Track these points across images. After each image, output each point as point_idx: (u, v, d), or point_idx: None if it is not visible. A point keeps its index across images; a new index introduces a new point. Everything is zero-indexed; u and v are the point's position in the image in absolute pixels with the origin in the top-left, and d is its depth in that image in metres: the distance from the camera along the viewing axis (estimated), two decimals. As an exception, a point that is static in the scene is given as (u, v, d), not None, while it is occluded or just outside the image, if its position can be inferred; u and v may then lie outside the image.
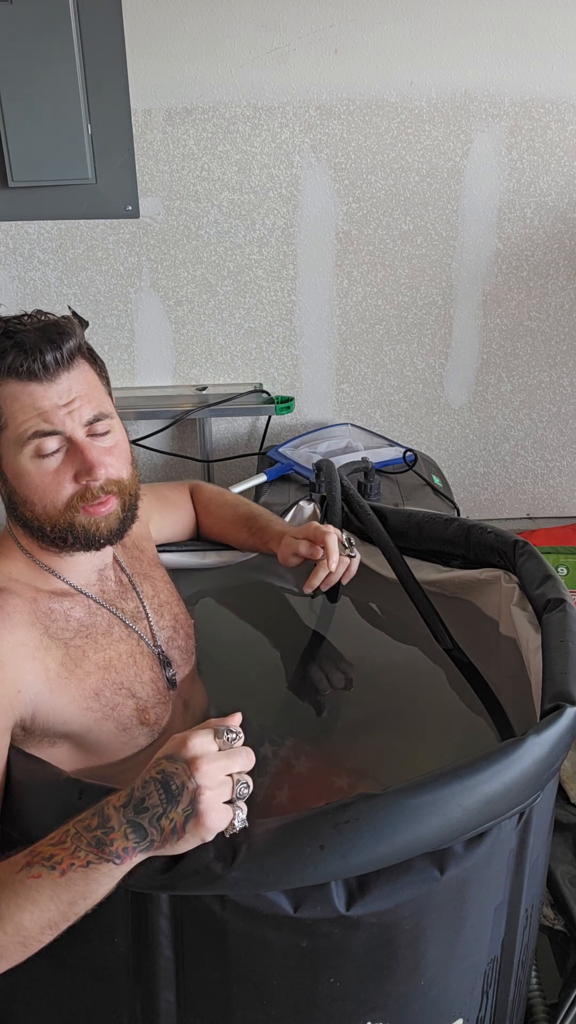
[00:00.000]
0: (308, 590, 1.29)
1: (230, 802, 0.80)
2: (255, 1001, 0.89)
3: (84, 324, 1.10)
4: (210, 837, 0.79)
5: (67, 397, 1.03)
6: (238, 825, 0.80)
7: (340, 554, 1.30)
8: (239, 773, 0.80)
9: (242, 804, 0.80)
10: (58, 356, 1.02)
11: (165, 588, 1.29)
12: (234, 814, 0.79)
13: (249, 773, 0.82)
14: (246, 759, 0.81)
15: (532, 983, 1.30)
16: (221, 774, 0.79)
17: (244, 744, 0.82)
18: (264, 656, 1.47)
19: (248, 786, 0.80)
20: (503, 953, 1.01)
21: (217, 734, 0.81)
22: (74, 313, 1.10)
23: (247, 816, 0.81)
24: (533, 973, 1.31)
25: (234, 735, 0.81)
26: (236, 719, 0.84)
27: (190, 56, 2.24)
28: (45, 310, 1.09)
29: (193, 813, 0.77)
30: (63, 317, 1.07)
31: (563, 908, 1.38)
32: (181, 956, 0.88)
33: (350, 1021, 0.91)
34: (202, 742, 0.80)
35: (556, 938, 1.38)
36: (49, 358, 1.02)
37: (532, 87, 2.32)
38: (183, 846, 0.79)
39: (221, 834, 0.80)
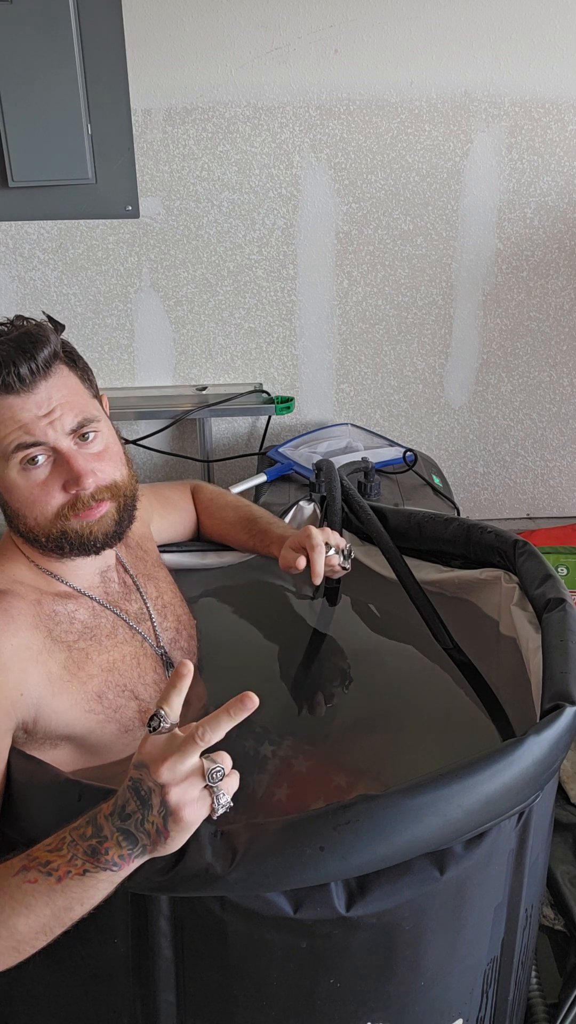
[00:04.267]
0: (316, 582, 1.29)
1: (209, 788, 0.78)
2: (255, 1002, 0.89)
3: (60, 328, 1.08)
4: (194, 828, 0.78)
5: (47, 407, 1.02)
6: (220, 809, 0.78)
7: (342, 563, 1.30)
8: (207, 757, 0.79)
9: (223, 786, 0.79)
10: (33, 366, 1.01)
11: (169, 589, 1.29)
12: (213, 799, 0.78)
13: (234, 760, 0.80)
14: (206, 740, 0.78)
15: (532, 983, 1.30)
16: (183, 765, 0.77)
17: (218, 737, 0.80)
18: (264, 656, 1.47)
19: (220, 768, 0.78)
20: (503, 953, 1.01)
21: (151, 722, 0.79)
22: (49, 318, 1.09)
23: (233, 797, 0.79)
24: (533, 973, 1.31)
25: (168, 725, 0.79)
26: (171, 704, 0.81)
27: (190, 56, 2.23)
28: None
29: (168, 812, 0.77)
30: (36, 324, 1.06)
31: (563, 908, 1.39)
32: (181, 957, 0.88)
33: (350, 1022, 0.91)
34: (154, 741, 0.79)
35: (556, 938, 1.38)
36: (24, 369, 1.00)
37: (532, 87, 2.32)
38: (174, 844, 0.79)
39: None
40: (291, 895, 0.83)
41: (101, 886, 0.80)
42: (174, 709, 0.81)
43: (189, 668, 0.81)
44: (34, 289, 2.45)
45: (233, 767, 0.81)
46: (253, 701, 0.79)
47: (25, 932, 0.80)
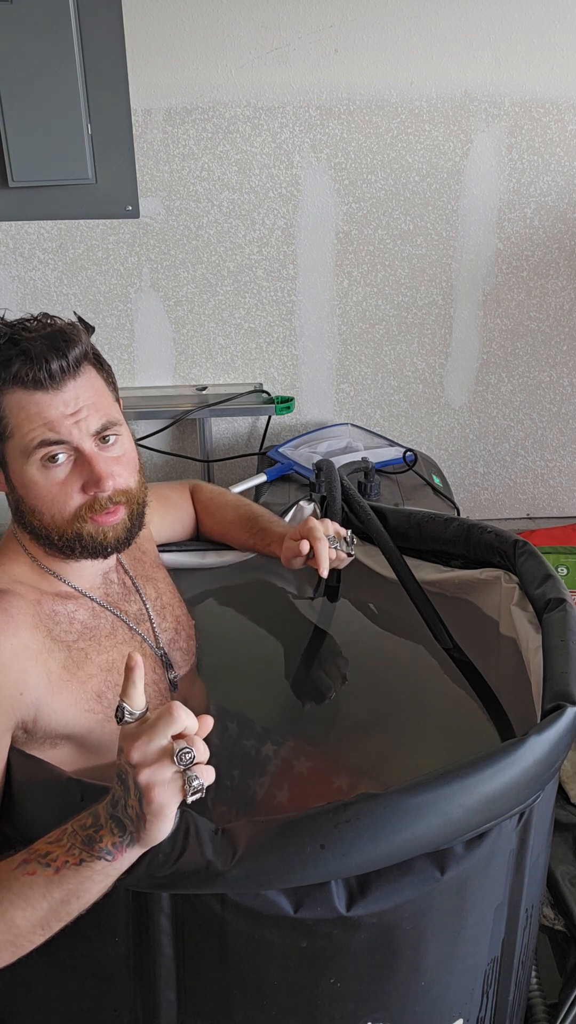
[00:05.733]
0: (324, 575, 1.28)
1: (180, 771, 0.77)
2: (256, 1001, 0.89)
3: (90, 330, 1.09)
4: (168, 811, 0.78)
5: (74, 406, 1.03)
6: (192, 792, 0.77)
7: (339, 550, 1.29)
8: (176, 740, 0.78)
9: (199, 769, 0.77)
10: (64, 364, 1.01)
11: (167, 590, 1.29)
12: (184, 782, 0.77)
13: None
14: (168, 722, 0.78)
15: (532, 983, 1.30)
16: (151, 747, 0.77)
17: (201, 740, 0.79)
18: (264, 656, 1.47)
19: (189, 750, 0.77)
20: (503, 953, 1.01)
21: (116, 714, 0.80)
22: (80, 319, 1.09)
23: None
24: (533, 973, 1.31)
25: (136, 714, 0.80)
26: (130, 696, 0.81)
27: (190, 56, 2.23)
28: (47, 311, 1.08)
29: (141, 793, 0.77)
30: (69, 323, 1.06)
31: (563, 908, 1.38)
32: (182, 956, 0.88)
33: (350, 1021, 0.91)
34: (126, 728, 0.80)
35: (556, 938, 1.38)
36: (55, 366, 1.01)
37: (532, 87, 2.32)
38: (156, 830, 0.78)
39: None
40: (291, 894, 0.83)
41: (96, 878, 0.80)
42: (135, 700, 0.81)
43: (136, 660, 0.81)
44: (34, 289, 2.45)
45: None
46: (134, 659, 0.81)
47: (23, 926, 0.81)
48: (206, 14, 2.20)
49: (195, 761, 0.77)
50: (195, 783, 0.77)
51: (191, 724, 0.78)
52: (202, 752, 0.78)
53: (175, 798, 0.78)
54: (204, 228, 2.41)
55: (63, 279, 2.44)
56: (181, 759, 0.76)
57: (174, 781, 0.77)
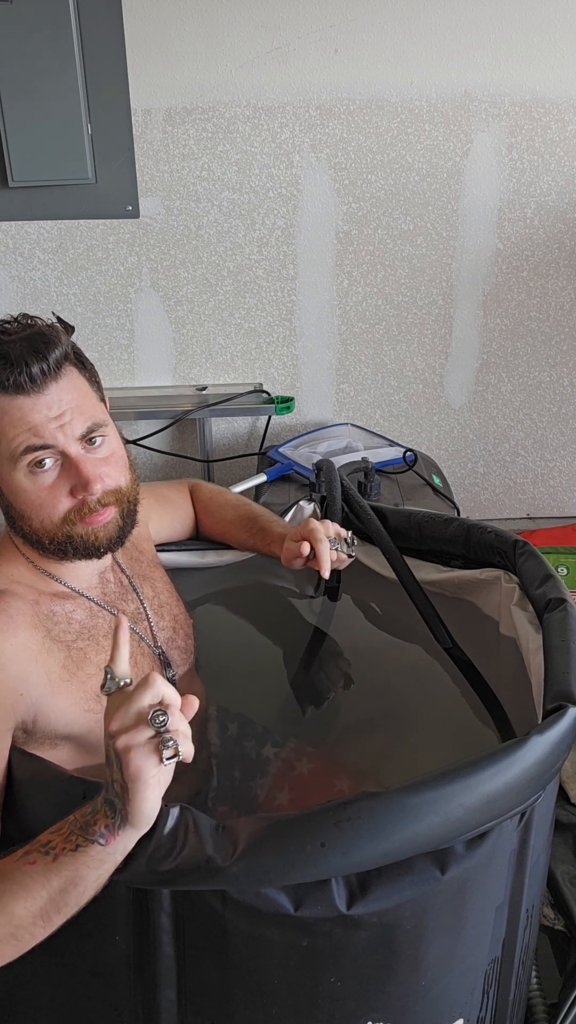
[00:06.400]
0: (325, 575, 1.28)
1: (158, 736, 0.77)
2: (256, 1000, 0.89)
3: (70, 330, 1.08)
4: (148, 777, 0.77)
5: (57, 409, 1.02)
6: (167, 753, 0.77)
7: (340, 551, 1.29)
8: (152, 706, 0.78)
9: (177, 734, 0.78)
10: (44, 367, 1.01)
11: (165, 589, 1.29)
12: (158, 744, 0.77)
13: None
14: (144, 688, 0.78)
15: (532, 983, 1.30)
16: (128, 714, 0.77)
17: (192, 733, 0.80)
18: (264, 656, 1.47)
19: (162, 712, 0.77)
20: (504, 953, 1.01)
21: (102, 682, 0.81)
22: (59, 319, 1.08)
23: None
24: (533, 973, 1.31)
25: (118, 683, 0.80)
26: (116, 662, 0.81)
27: (190, 56, 2.23)
28: (47, 311, 1.08)
29: (120, 761, 0.77)
30: (48, 325, 1.05)
31: (563, 908, 1.38)
32: (182, 954, 0.88)
33: (351, 1021, 0.91)
34: (109, 703, 0.80)
35: (556, 938, 1.38)
36: (35, 370, 1.00)
37: (532, 87, 2.32)
38: (139, 800, 0.78)
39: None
40: (292, 893, 0.83)
41: (92, 864, 0.80)
42: (120, 666, 0.81)
43: (123, 622, 0.82)
44: (34, 289, 2.45)
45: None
46: (121, 620, 0.82)
47: (23, 916, 0.81)
48: (206, 14, 2.20)
49: (169, 727, 0.77)
50: (169, 743, 0.77)
51: (168, 694, 0.79)
52: (178, 720, 0.78)
53: (150, 759, 0.77)
54: (204, 228, 2.41)
55: (63, 279, 2.44)
56: (154, 721, 0.77)
57: (149, 744, 0.77)
